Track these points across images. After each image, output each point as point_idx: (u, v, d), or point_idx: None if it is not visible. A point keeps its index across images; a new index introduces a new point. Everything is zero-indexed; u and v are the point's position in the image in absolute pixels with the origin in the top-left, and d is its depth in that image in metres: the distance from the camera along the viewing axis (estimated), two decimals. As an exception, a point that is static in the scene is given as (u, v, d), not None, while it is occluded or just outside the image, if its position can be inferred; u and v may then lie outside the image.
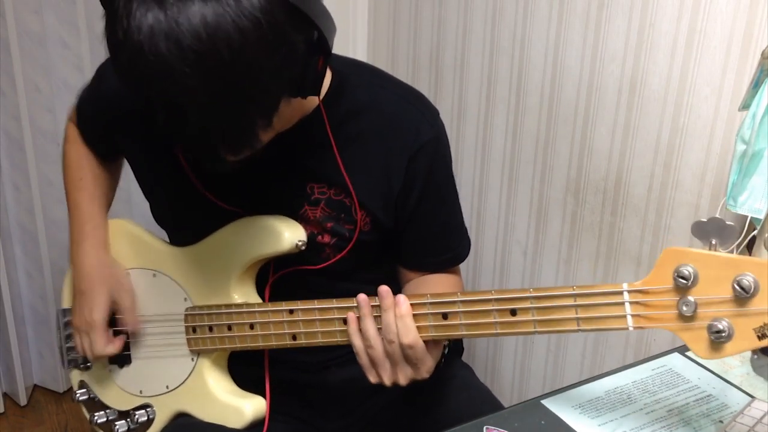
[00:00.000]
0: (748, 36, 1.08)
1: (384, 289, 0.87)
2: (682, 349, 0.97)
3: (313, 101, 0.96)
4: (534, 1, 1.41)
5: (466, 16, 1.57)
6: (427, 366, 0.88)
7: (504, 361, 1.66)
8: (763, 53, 0.95)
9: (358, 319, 0.88)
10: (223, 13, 0.71)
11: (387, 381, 0.88)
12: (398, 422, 1.09)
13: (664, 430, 0.82)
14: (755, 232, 0.99)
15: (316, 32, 0.80)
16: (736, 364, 0.94)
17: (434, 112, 1.03)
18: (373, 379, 0.89)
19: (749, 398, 0.87)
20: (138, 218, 1.20)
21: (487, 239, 1.64)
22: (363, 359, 0.89)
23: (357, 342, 0.88)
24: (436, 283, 1.06)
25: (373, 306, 0.88)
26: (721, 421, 0.84)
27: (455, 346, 1.20)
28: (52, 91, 1.83)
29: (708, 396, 0.88)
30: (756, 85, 0.97)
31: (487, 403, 1.07)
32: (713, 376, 0.92)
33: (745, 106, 0.99)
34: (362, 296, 0.88)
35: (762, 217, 0.95)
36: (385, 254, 1.08)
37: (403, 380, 0.88)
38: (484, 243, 1.65)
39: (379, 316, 0.87)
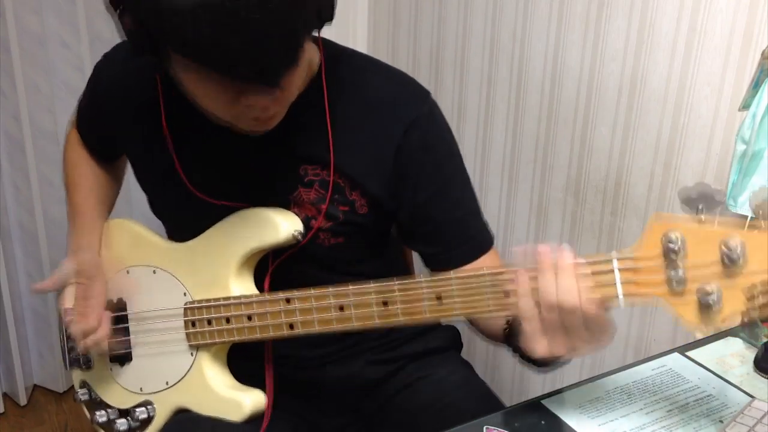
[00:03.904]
0: (748, 36, 1.08)
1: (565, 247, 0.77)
2: (682, 349, 0.97)
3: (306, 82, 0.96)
4: (534, 1, 1.41)
5: (466, 16, 1.57)
6: (607, 331, 0.77)
7: (504, 360, 1.67)
8: (763, 53, 0.95)
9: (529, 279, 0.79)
10: None
11: (562, 349, 0.78)
12: (397, 420, 1.09)
13: (664, 430, 0.82)
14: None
15: None
16: (736, 364, 0.94)
17: (424, 92, 1.02)
18: (541, 349, 0.78)
19: (749, 398, 0.87)
20: (138, 217, 1.20)
21: (487, 239, 1.64)
22: (533, 325, 0.78)
23: (528, 306, 0.78)
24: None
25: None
26: (721, 421, 0.84)
27: (454, 343, 1.20)
28: (52, 91, 1.83)
29: (708, 396, 0.88)
30: (756, 85, 0.97)
31: (487, 401, 1.07)
32: (713, 376, 0.92)
33: (745, 106, 0.99)
34: (545, 247, 0.77)
35: (762, 217, 0.95)
36: (383, 243, 1.08)
37: (581, 344, 0.77)
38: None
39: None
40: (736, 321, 0.73)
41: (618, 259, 0.74)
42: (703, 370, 0.93)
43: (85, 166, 1.18)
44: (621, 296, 0.75)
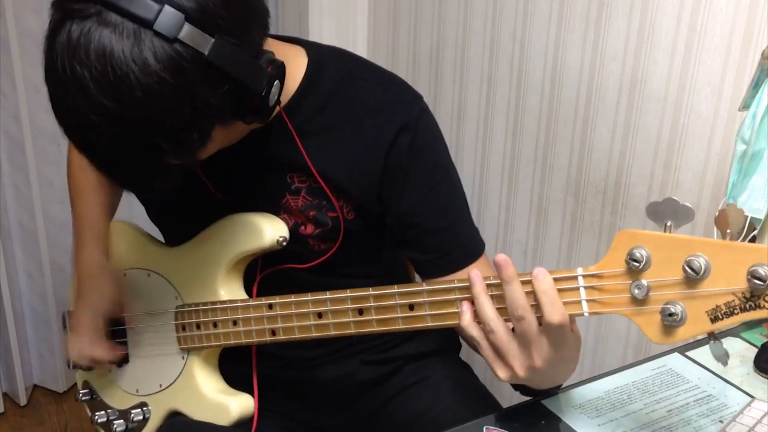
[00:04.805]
0: (748, 36, 1.08)
1: (502, 258, 0.75)
2: (682, 349, 0.97)
3: (286, 96, 0.95)
4: (534, 1, 1.41)
5: (466, 16, 1.57)
6: (570, 344, 0.76)
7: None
8: (763, 53, 0.95)
9: (473, 309, 0.79)
10: (127, 72, 0.72)
11: (520, 370, 0.76)
12: (395, 421, 1.09)
13: (664, 430, 0.82)
14: (755, 232, 0.99)
15: (238, 84, 0.78)
16: (736, 364, 0.94)
17: (415, 96, 1.01)
18: (502, 373, 0.77)
19: (749, 398, 0.87)
20: (138, 218, 1.20)
21: (487, 239, 1.63)
22: (486, 351, 0.78)
23: (475, 332, 0.78)
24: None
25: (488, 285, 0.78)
26: (721, 421, 0.84)
27: (452, 344, 1.20)
28: (52, 91, 1.83)
29: (708, 396, 0.88)
30: (756, 85, 0.97)
31: (484, 403, 1.07)
32: (713, 376, 0.92)
33: (745, 106, 0.99)
34: (475, 272, 0.78)
35: (762, 217, 0.95)
36: (377, 247, 1.08)
37: (540, 362, 0.75)
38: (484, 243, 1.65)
39: (496, 295, 0.77)
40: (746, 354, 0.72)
41: (583, 276, 0.74)
42: (703, 370, 0.93)
43: (88, 171, 1.18)
44: (586, 314, 0.74)
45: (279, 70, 0.84)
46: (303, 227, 1.00)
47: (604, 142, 1.33)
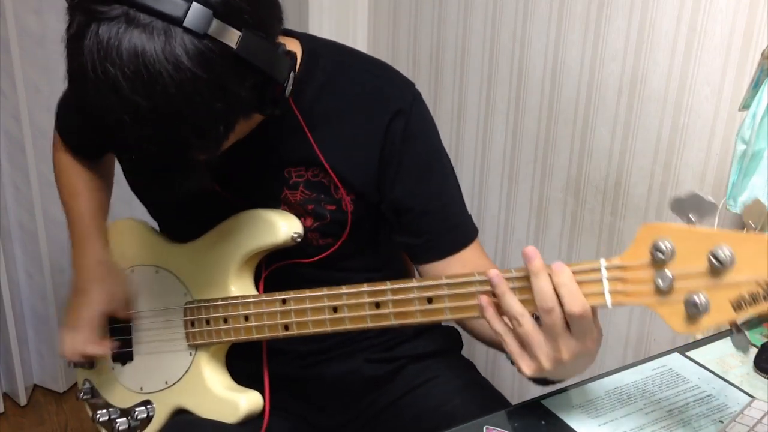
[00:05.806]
0: (748, 36, 1.08)
1: (531, 250, 0.77)
2: (682, 349, 0.97)
3: None
4: (534, 1, 1.41)
5: (466, 16, 1.57)
6: (593, 336, 0.76)
7: (504, 360, 1.66)
8: (763, 53, 0.95)
9: (494, 301, 0.79)
10: (160, 70, 0.72)
11: (546, 363, 0.77)
12: (400, 421, 1.09)
13: (664, 430, 0.82)
14: (755, 232, 0.99)
15: (264, 76, 0.79)
16: (736, 364, 0.94)
17: (407, 83, 1.02)
18: (527, 367, 0.78)
19: (749, 398, 0.87)
20: (138, 217, 1.20)
21: (487, 239, 1.64)
22: (511, 345, 0.79)
23: (499, 327, 0.79)
24: (464, 264, 1.02)
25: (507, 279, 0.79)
26: (721, 421, 0.84)
27: (456, 343, 1.20)
28: (52, 91, 1.83)
29: (708, 396, 0.88)
30: (756, 85, 0.97)
31: (493, 400, 1.07)
32: (713, 376, 0.92)
33: (745, 106, 0.99)
34: (495, 272, 0.79)
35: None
36: (375, 239, 1.08)
37: (567, 355, 0.76)
38: (484, 243, 1.64)
39: (518, 287, 0.78)
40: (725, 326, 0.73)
41: (606, 268, 0.74)
42: (703, 370, 0.93)
43: (79, 170, 1.18)
44: (609, 305, 0.75)
45: (294, 60, 0.85)
46: (302, 219, 1.00)
47: (604, 142, 1.33)
